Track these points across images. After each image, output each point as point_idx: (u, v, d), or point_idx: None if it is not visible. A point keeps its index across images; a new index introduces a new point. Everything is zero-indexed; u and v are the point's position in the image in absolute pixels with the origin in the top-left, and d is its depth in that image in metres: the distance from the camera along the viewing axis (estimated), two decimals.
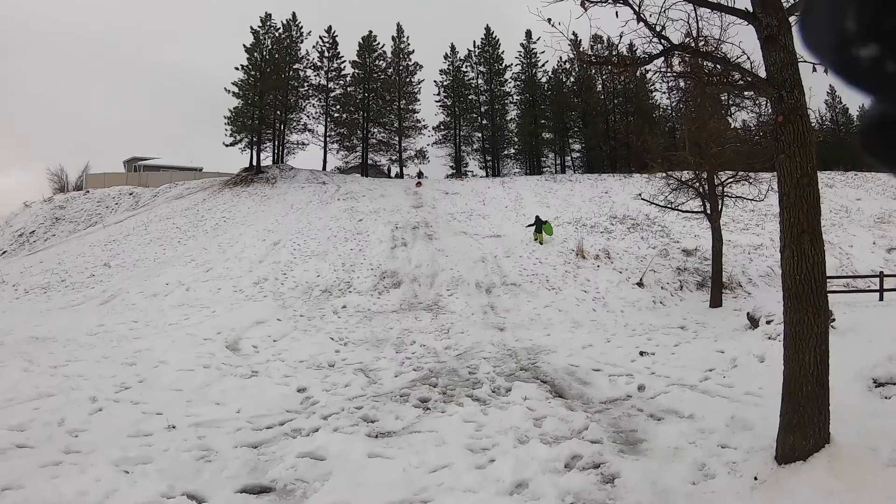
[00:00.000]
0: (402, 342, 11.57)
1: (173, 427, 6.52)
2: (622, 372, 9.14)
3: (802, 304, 4.76)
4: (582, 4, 5.68)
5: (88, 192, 39.27)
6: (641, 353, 10.43)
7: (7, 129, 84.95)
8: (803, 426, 4.69)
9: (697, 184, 16.18)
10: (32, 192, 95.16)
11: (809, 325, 4.72)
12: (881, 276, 15.97)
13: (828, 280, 16.14)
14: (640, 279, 18.36)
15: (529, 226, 23.76)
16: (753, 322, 11.82)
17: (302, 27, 43.50)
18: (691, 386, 8.27)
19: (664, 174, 17.56)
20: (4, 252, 30.87)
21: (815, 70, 4.74)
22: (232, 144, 40.25)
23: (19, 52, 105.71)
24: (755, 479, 4.84)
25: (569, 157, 51.14)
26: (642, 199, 18.69)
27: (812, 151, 4.73)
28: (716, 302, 16.34)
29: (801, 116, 4.73)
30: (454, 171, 49.67)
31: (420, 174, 47.97)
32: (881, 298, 15.44)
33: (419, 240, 22.61)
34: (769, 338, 10.48)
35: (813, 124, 5.34)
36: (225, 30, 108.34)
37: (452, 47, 49.95)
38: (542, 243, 22.43)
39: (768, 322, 11.15)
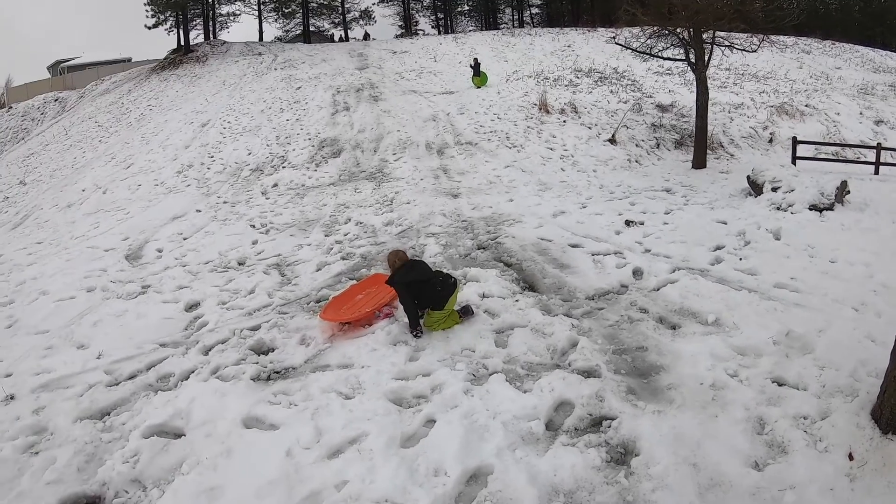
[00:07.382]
0: (336, 221, 9.75)
1: (11, 398, 4.86)
2: (608, 249, 7.39)
3: None
4: None
5: (11, 107, 35.59)
6: (628, 223, 8.63)
7: None
8: None
9: (679, 29, 13.65)
10: None
11: None
12: (878, 147, 14.16)
13: (817, 147, 12.99)
14: (613, 135, 16.15)
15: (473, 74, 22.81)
16: (756, 188, 10.11)
17: None
18: (702, 271, 6.60)
19: (636, 26, 15.03)
20: None
21: None
22: (155, 26, 35.64)
23: None
24: (850, 457, 3.27)
25: (527, 13, 47.69)
26: (617, 43, 16.15)
27: None
28: (699, 162, 14.47)
29: None
30: (403, 30, 45.70)
31: (366, 36, 43.74)
32: (876, 172, 13.81)
33: (363, 102, 20.05)
34: (778, 208, 8.95)
35: None
36: None
37: None
38: (477, 87, 22.08)
39: (774, 189, 9.54)
